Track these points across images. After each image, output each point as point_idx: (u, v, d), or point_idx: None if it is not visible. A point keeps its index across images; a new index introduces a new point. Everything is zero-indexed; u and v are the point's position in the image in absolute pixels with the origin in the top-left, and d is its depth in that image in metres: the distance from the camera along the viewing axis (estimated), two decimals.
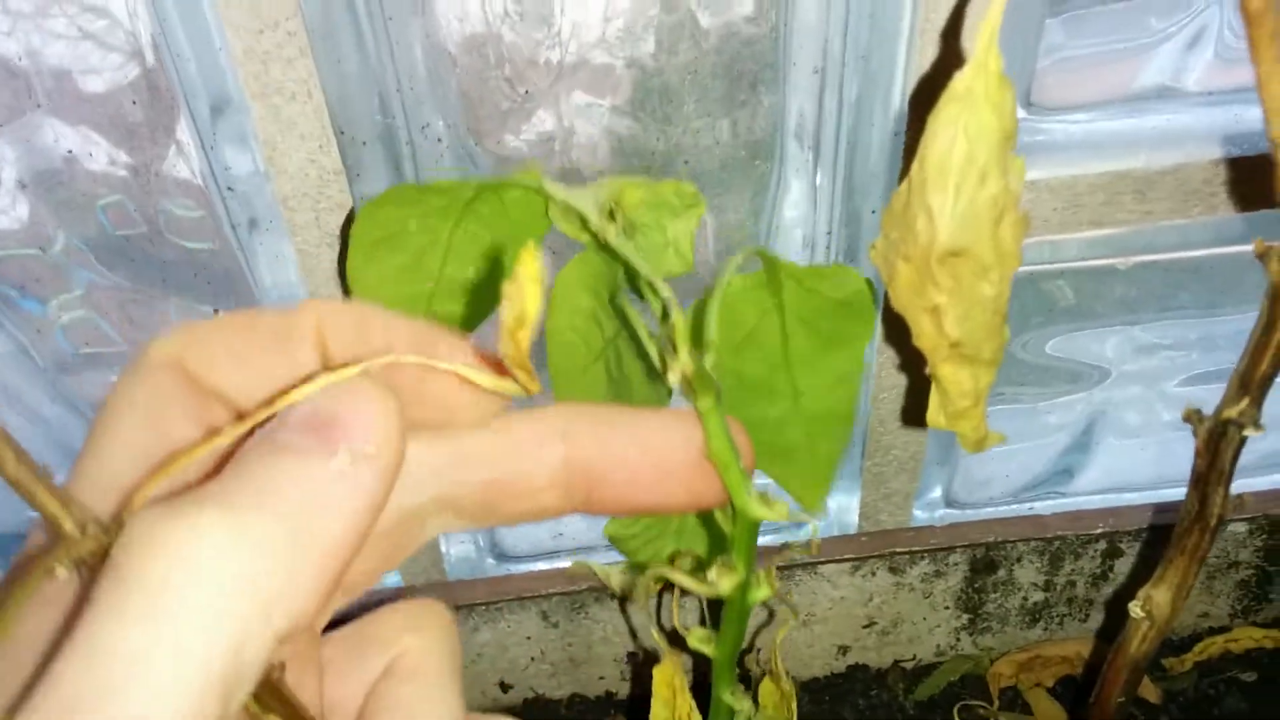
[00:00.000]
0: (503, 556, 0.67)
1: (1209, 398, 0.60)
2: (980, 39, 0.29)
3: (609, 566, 0.30)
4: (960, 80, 0.30)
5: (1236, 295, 0.59)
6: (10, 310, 0.56)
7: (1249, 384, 0.35)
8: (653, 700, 0.32)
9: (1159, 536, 0.64)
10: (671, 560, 0.30)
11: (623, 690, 0.70)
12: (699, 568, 0.26)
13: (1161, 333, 0.60)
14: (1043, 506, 0.67)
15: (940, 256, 0.33)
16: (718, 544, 0.36)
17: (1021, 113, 0.50)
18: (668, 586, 0.31)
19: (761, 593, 0.28)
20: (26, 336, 0.56)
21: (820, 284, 0.34)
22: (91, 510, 0.19)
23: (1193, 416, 0.39)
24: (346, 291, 0.32)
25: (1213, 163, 0.50)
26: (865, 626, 0.68)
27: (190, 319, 0.53)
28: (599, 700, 0.70)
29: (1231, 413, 0.36)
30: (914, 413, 0.58)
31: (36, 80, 0.47)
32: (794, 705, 0.32)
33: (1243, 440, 0.37)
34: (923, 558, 0.65)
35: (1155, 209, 0.51)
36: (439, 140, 0.48)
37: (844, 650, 0.70)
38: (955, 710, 0.69)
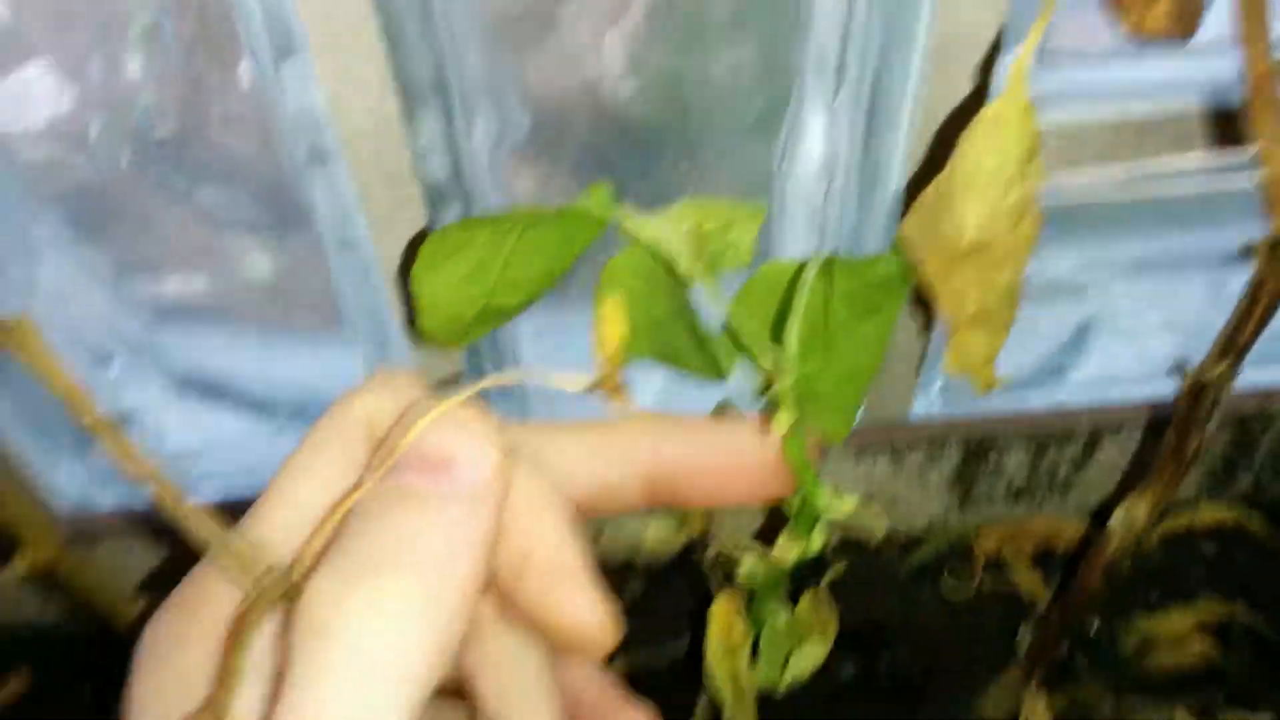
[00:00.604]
0: None
1: (1200, 302, 0.64)
2: (1012, 75, 0.33)
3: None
4: (991, 108, 0.34)
5: (1233, 212, 0.63)
6: (62, 220, 0.59)
7: (1230, 349, 0.40)
8: (709, 630, 0.37)
9: (1139, 433, 0.69)
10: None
11: (641, 558, 0.76)
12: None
13: (1157, 247, 0.65)
14: (1036, 398, 0.72)
15: (965, 250, 0.37)
16: None
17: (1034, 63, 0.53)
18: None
19: (845, 505, 0.33)
20: (81, 244, 0.60)
21: (867, 270, 0.38)
22: (268, 562, 0.22)
23: (1177, 369, 0.43)
24: (409, 296, 0.34)
25: (1215, 109, 0.53)
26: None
27: (252, 248, 0.57)
28: (619, 568, 0.77)
29: (1212, 374, 0.41)
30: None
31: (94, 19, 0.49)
32: (832, 627, 0.38)
33: (1218, 395, 0.42)
34: (919, 447, 0.70)
35: (1157, 150, 0.54)
36: (484, 91, 0.51)
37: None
38: (944, 575, 0.76)
